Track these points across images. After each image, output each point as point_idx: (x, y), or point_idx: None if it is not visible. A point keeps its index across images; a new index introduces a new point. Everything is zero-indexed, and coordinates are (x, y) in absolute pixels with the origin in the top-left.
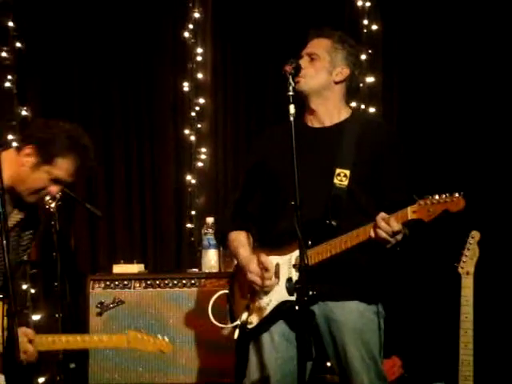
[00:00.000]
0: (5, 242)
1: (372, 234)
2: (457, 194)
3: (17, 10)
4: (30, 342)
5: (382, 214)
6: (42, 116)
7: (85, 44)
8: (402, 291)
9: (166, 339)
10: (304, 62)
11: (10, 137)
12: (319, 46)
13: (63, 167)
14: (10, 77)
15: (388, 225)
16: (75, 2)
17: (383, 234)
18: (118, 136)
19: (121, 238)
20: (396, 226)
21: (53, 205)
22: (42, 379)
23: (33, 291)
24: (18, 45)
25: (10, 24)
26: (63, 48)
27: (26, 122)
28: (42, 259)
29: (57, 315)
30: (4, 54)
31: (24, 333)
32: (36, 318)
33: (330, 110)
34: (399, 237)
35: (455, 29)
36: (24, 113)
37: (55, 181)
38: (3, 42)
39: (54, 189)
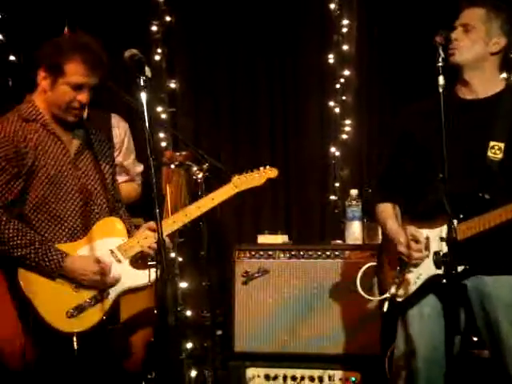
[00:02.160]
0: (158, 210)
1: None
2: None
3: None
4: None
5: None
6: (189, 89)
7: (231, 18)
8: None
9: (268, 166)
10: (458, 33)
11: (159, 108)
12: (473, 15)
13: (74, 71)
14: (159, 50)
15: None
16: None
17: None
18: (263, 108)
19: (265, 208)
20: None
21: (200, 175)
22: (189, 344)
23: (180, 259)
24: (168, 19)
25: None
26: (210, 22)
27: (175, 95)
28: (190, 228)
29: (204, 283)
30: (154, 28)
31: (147, 226)
32: (183, 285)
33: (485, 82)
34: None
35: None
36: (172, 85)
37: (77, 87)
38: (154, 16)
39: (82, 96)
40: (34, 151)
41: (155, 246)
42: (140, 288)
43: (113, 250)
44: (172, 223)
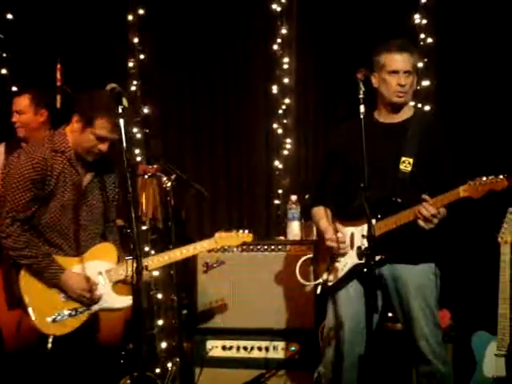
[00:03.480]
0: (133, 214)
1: (412, 217)
2: (501, 176)
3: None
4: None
5: (423, 204)
6: (159, 114)
7: (193, 56)
8: (452, 256)
9: (247, 231)
10: (404, 78)
11: (135, 130)
12: (409, 61)
13: (102, 126)
14: (135, 82)
15: (426, 209)
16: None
17: (421, 223)
18: (219, 128)
19: (222, 210)
20: (432, 210)
21: (169, 184)
22: (160, 321)
23: (153, 253)
24: (142, 57)
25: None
26: (176, 59)
27: (148, 118)
28: (161, 227)
29: (171, 272)
30: (131, 64)
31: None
32: (155, 273)
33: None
34: (436, 220)
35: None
36: (146, 111)
37: (100, 139)
38: (130, 54)
39: (102, 146)
40: (56, 179)
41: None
42: (115, 310)
43: (101, 273)
44: (157, 261)
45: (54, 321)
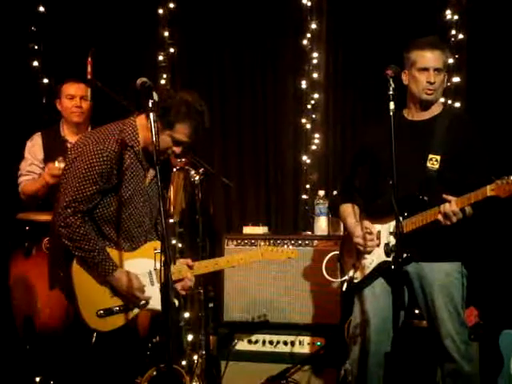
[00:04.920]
0: (162, 208)
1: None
2: None
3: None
4: (190, 267)
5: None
6: None
7: (224, 51)
8: (480, 254)
9: (291, 247)
10: (434, 76)
11: None
12: (440, 59)
13: (182, 131)
14: (164, 76)
15: (449, 206)
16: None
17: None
18: (248, 123)
19: (250, 205)
20: (454, 207)
21: (197, 178)
22: (187, 314)
23: (180, 246)
24: (172, 50)
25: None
26: (206, 52)
27: None
28: (188, 221)
29: None
30: (160, 58)
31: (185, 261)
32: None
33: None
34: (455, 218)
35: None
36: None
37: (177, 142)
38: (160, 48)
39: (177, 149)
40: (122, 174)
41: (186, 284)
42: (158, 311)
43: (151, 272)
44: (204, 267)
45: (100, 316)
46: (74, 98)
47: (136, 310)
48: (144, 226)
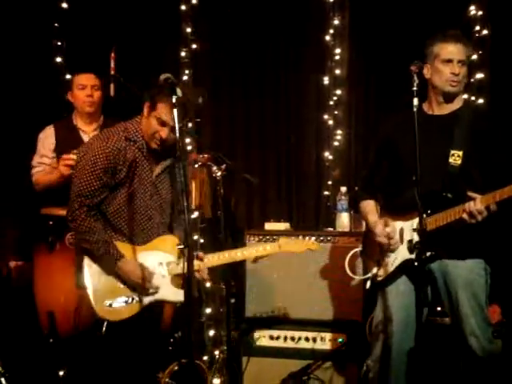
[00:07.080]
0: (185, 203)
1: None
2: None
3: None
4: (201, 259)
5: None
6: (211, 103)
7: (245, 47)
8: (504, 251)
9: (313, 239)
10: (458, 68)
11: None
12: (463, 51)
13: (163, 110)
14: (187, 71)
15: (474, 204)
16: None
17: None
18: (270, 119)
19: (272, 201)
20: (479, 206)
21: (218, 174)
22: (208, 310)
23: (202, 241)
24: (194, 46)
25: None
26: (228, 48)
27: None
28: (210, 216)
29: None
30: (183, 54)
31: (195, 253)
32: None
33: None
34: (480, 217)
35: None
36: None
37: (162, 124)
38: (183, 44)
39: (163, 132)
40: (128, 169)
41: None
42: (170, 303)
43: (162, 264)
44: (217, 259)
45: (110, 305)
46: (85, 87)
47: (147, 301)
48: (154, 219)
